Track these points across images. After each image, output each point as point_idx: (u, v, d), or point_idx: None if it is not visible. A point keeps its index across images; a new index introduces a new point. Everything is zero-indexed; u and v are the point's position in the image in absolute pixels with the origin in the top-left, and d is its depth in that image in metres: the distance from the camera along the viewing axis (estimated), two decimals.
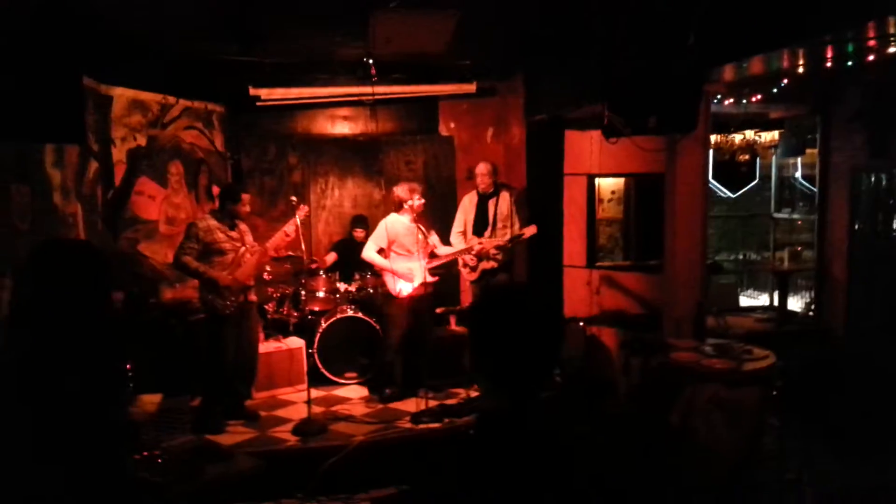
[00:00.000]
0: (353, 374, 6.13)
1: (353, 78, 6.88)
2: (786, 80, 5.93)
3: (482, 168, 6.06)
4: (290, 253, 5.91)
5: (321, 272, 6.29)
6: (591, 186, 7.11)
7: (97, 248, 2.14)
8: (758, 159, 8.38)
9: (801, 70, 5.52)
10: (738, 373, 4.34)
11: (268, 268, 6.03)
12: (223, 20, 5.15)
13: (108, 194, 5.67)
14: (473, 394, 5.66)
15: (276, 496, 4.11)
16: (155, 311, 5.72)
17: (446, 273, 6.37)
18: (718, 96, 6.59)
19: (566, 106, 6.37)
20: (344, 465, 4.49)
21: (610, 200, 7.42)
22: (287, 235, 5.24)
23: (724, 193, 8.81)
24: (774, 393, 4.43)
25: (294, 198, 5.39)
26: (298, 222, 5.21)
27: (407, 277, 5.58)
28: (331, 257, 6.67)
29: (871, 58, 5.15)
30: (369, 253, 5.67)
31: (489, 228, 6.00)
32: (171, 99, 6.28)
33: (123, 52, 5.55)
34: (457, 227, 6.18)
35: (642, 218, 7.21)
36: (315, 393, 5.64)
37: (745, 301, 8.33)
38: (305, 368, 5.91)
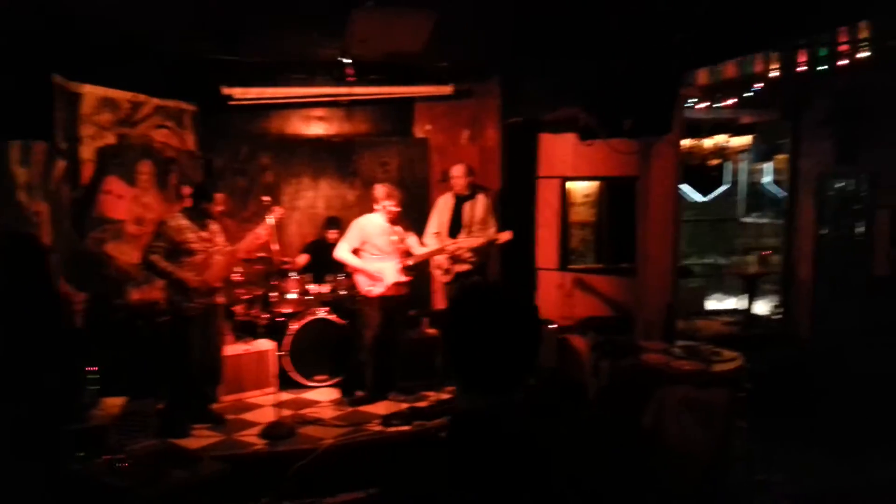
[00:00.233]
0: (324, 377, 6.08)
1: (329, 78, 6.84)
2: (758, 85, 6.00)
3: (458, 170, 6.05)
4: (262, 254, 5.84)
5: (292, 274, 6.22)
6: (564, 189, 7.15)
7: (33, 238, 2.09)
8: (728, 164, 8.48)
9: (773, 75, 5.59)
10: (707, 374, 4.38)
11: (238, 268, 5.96)
12: (197, 18, 5.09)
13: (75, 193, 5.56)
14: (444, 396, 5.65)
15: (243, 501, 4.06)
16: (121, 313, 5.62)
17: (419, 275, 6.35)
18: (691, 101, 6.65)
19: (543, 109, 6.40)
20: (313, 468, 4.45)
21: (583, 204, 7.46)
22: (258, 238, 5.18)
23: (694, 198, 8.90)
24: (743, 394, 4.48)
25: (267, 198, 5.33)
26: (271, 223, 5.16)
27: (377, 278, 5.56)
28: (303, 258, 6.62)
29: (842, 63, 5.23)
30: (341, 252, 5.65)
31: (464, 231, 5.98)
32: (142, 97, 6.18)
33: (94, 49, 5.46)
34: (431, 228, 6.16)
35: (614, 221, 7.26)
36: (284, 396, 5.59)
37: (712, 304, 8.41)
38: (274, 371, 5.85)
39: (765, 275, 7.57)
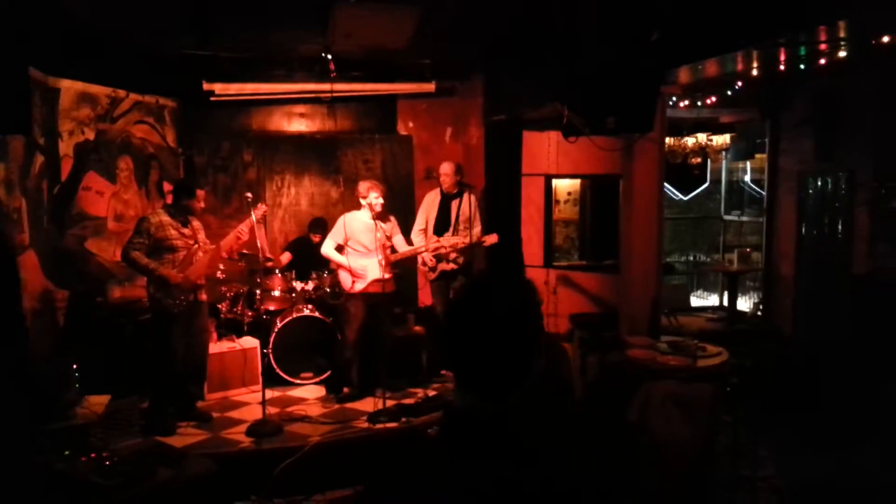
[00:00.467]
0: (309, 374, 6.03)
1: (311, 75, 6.79)
2: (739, 84, 6.07)
3: (447, 168, 6.02)
4: (245, 251, 5.79)
5: (277, 271, 6.17)
6: (548, 187, 7.17)
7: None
8: (709, 162, 8.58)
9: (754, 73, 5.66)
10: (692, 369, 4.41)
11: (221, 266, 5.90)
12: (177, 12, 5.01)
13: (54, 189, 5.46)
14: (431, 393, 5.64)
15: (230, 499, 4.01)
16: (102, 311, 5.54)
17: (405, 273, 6.33)
18: (673, 99, 6.72)
19: (526, 106, 6.41)
20: (300, 466, 4.41)
21: (566, 201, 7.49)
22: (241, 236, 5.12)
23: (676, 196, 8.99)
24: (728, 389, 4.52)
25: (249, 195, 5.27)
26: (255, 221, 5.10)
27: (358, 274, 5.54)
28: (285, 257, 6.56)
29: (821, 62, 5.31)
30: (326, 249, 5.65)
31: (451, 229, 5.97)
32: (122, 92, 6.09)
33: (72, 43, 5.37)
34: (418, 224, 6.14)
35: (598, 219, 7.30)
36: (270, 393, 5.52)
37: (695, 301, 8.51)
38: (260, 369, 5.79)
39: (747, 272, 7.67)
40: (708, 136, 7.79)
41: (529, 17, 5.18)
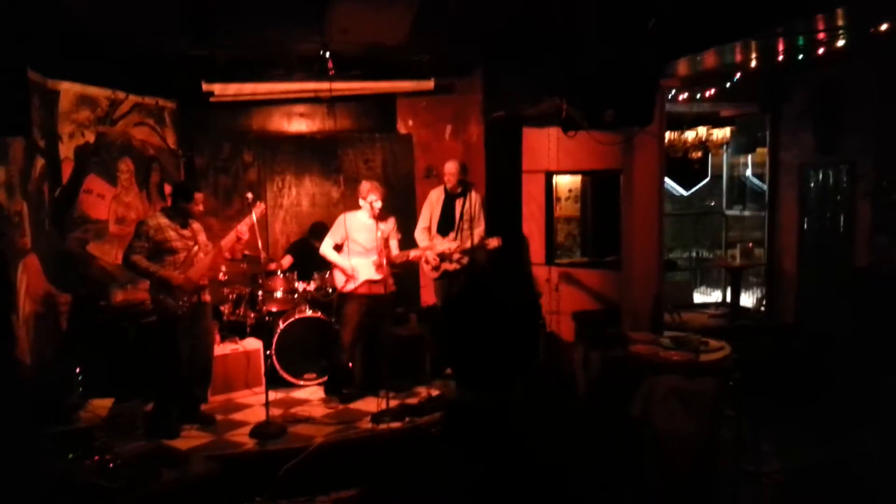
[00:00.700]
0: (313, 376, 6.04)
1: (310, 74, 6.78)
2: (738, 75, 6.05)
3: (451, 167, 6.00)
4: (247, 253, 5.79)
5: (279, 273, 6.17)
6: (549, 183, 7.17)
7: None
8: (710, 157, 8.57)
9: (753, 65, 5.63)
10: (695, 364, 4.40)
11: (224, 268, 5.90)
12: (176, 12, 5.01)
13: (55, 192, 5.47)
14: (434, 393, 5.63)
15: (234, 501, 4.02)
16: (105, 314, 5.54)
17: (406, 272, 6.32)
18: (672, 91, 6.70)
19: (525, 102, 6.40)
20: (304, 467, 4.41)
21: (567, 198, 7.49)
22: (241, 235, 5.12)
23: (678, 191, 8.98)
24: (731, 384, 4.51)
25: (250, 195, 5.27)
26: (255, 220, 5.11)
27: (350, 274, 5.55)
28: (287, 260, 6.55)
29: (819, 52, 5.28)
30: (325, 248, 5.66)
31: (455, 227, 5.95)
32: (121, 94, 6.10)
33: (71, 44, 5.36)
34: (422, 222, 6.12)
35: (599, 215, 7.30)
36: (273, 395, 5.53)
37: (698, 298, 8.50)
38: (263, 370, 5.80)
39: (749, 267, 7.66)
40: (708, 129, 7.77)
41: (527, 13, 5.18)
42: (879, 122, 6.17)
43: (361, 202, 5.60)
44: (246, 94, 6.90)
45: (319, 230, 6.64)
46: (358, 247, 5.58)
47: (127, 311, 5.60)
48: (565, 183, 7.46)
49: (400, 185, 7.37)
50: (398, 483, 1.49)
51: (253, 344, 5.91)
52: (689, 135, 7.85)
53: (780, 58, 5.50)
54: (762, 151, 7.98)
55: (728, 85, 6.38)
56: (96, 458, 3.44)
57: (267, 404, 5.00)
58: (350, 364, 5.69)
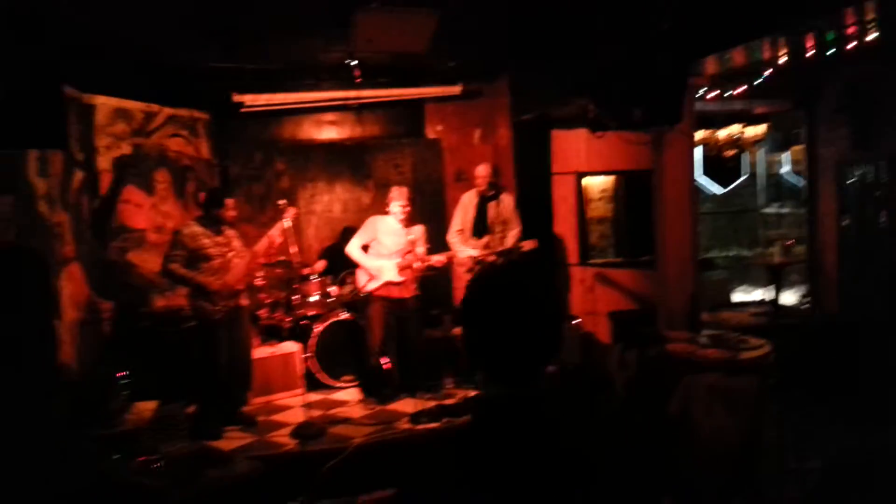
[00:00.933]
0: (350, 377, 6.08)
1: (338, 82, 6.86)
2: (769, 72, 5.98)
3: (483, 170, 5.98)
4: (281, 258, 5.86)
5: (313, 276, 6.24)
6: (579, 184, 7.15)
7: (30, 249, 2.10)
8: (744, 155, 8.46)
9: (782, 61, 5.56)
10: (735, 362, 4.35)
11: (260, 273, 5.97)
12: (205, 26, 5.11)
13: (94, 203, 5.60)
14: (472, 393, 5.63)
15: (276, 500, 4.06)
16: (146, 320, 5.65)
17: (438, 275, 6.33)
18: (702, 90, 6.64)
19: (553, 104, 6.40)
20: (344, 467, 4.44)
21: (600, 199, 7.46)
22: (273, 240, 5.18)
23: (713, 190, 8.88)
24: (772, 381, 4.45)
25: (282, 200, 5.34)
26: (286, 225, 5.17)
27: (373, 274, 5.58)
28: (320, 265, 6.61)
29: (851, 46, 5.20)
30: (351, 247, 5.69)
31: (488, 230, 5.92)
32: (155, 107, 6.22)
33: (104, 61, 5.49)
34: (455, 225, 6.12)
35: (632, 215, 7.25)
36: (312, 397, 5.59)
37: (738, 297, 8.37)
38: (301, 373, 5.86)
39: (790, 265, 7.53)
40: (742, 127, 7.68)
41: (551, 15, 5.18)
42: None
43: (391, 207, 5.64)
44: (276, 104, 6.99)
45: (351, 235, 6.70)
46: (384, 249, 5.62)
47: (167, 317, 5.69)
48: (597, 184, 7.43)
49: (430, 190, 7.40)
50: (428, 481, 1.49)
51: (290, 347, 5.97)
52: (723, 133, 7.77)
53: (810, 54, 5.42)
54: (798, 149, 7.86)
55: (759, 82, 6.31)
56: (142, 458, 3.50)
57: (306, 406, 5.04)
58: (382, 365, 5.71)
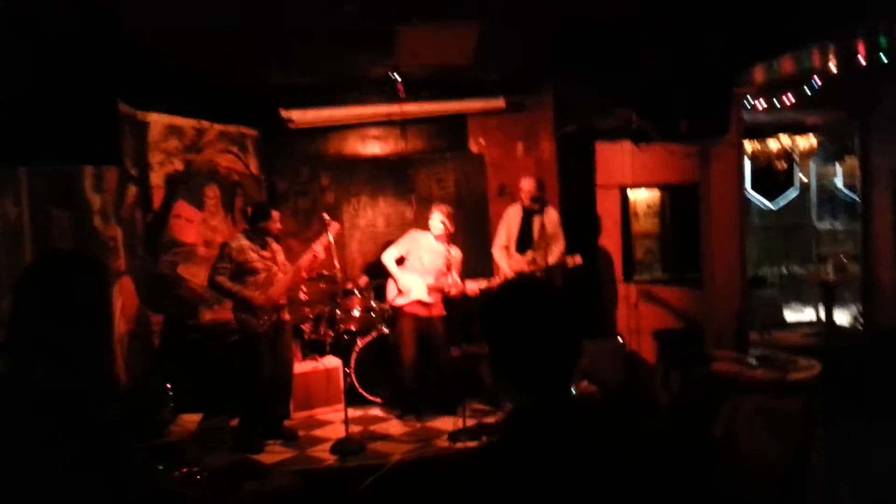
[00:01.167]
0: (388, 393, 6.11)
1: (382, 97, 6.94)
2: (819, 82, 5.81)
3: (528, 184, 5.90)
4: (325, 272, 5.94)
5: (356, 292, 6.30)
6: (624, 198, 7.05)
7: (91, 257, 2.15)
8: (796, 167, 8.23)
9: (834, 69, 5.40)
10: (782, 383, 4.22)
11: (304, 288, 6.06)
12: (254, 44, 5.24)
13: (147, 218, 5.77)
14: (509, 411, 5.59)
15: None
16: (195, 333, 5.79)
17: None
18: (751, 102, 6.48)
19: (596, 116, 6.34)
20: (381, 484, 4.46)
21: (646, 214, 7.34)
22: (317, 254, 5.25)
23: (765, 205, 8.64)
24: (821, 404, 4.30)
25: (326, 215, 5.42)
26: (330, 239, 5.24)
27: (402, 290, 5.60)
28: (363, 280, 6.67)
29: None
30: (386, 256, 5.72)
31: (533, 245, 5.86)
32: (206, 124, 6.39)
33: (157, 78, 5.66)
34: (500, 241, 6.07)
35: (679, 230, 7.12)
36: (352, 412, 5.62)
37: (790, 316, 8.10)
38: (342, 388, 5.91)
39: (843, 282, 7.26)
40: (791, 137, 7.47)
41: (594, 27, 5.14)
42: None
43: (431, 222, 5.65)
44: (322, 120, 7.11)
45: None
46: (419, 265, 5.63)
47: (214, 331, 5.82)
48: (643, 198, 7.32)
49: (473, 205, 7.41)
50: (466, 494, 1.48)
51: (332, 362, 6.03)
52: (773, 144, 7.57)
53: (863, 61, 5.25)
54: (852, 161, 7.60)
55: (810, 92, 6.13)
56: (185, 469, 3.58)
57: (346, 421, 5.08)
58: (414, 382, 5.71)
